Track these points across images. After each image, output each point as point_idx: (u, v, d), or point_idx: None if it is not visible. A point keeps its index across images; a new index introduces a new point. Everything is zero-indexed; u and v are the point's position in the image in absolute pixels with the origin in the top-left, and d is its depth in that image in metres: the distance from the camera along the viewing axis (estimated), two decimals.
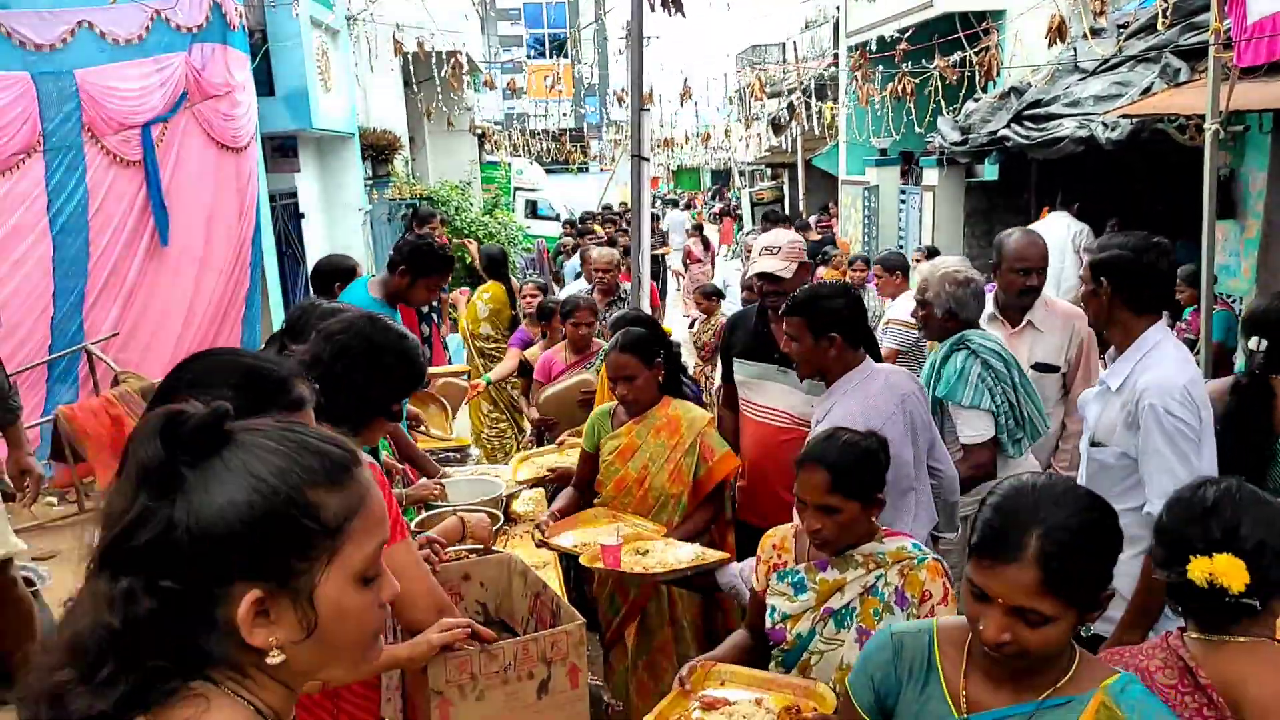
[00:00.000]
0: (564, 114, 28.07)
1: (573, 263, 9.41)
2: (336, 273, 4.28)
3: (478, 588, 2.29)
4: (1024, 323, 3.37)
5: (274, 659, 0.90)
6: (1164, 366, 2.41)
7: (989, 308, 3.38)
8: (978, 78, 8.73)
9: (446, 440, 4.40)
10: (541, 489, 3.76)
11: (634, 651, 3.14)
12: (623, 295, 5.58)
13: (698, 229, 14.68)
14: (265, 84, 7.83)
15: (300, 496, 0.90)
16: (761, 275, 3.35)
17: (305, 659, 0.93)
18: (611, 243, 8.87)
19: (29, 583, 2.83)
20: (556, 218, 19.62)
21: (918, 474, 2.75)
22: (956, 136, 9.21)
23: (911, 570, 2.09)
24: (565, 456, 3.78)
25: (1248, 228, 6.72)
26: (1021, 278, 3.32)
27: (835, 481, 2.05)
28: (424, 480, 3.38)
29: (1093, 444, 2.60)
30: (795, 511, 2.22)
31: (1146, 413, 2.37)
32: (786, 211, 19.26)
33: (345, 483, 0.94)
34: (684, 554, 2.73)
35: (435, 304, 7.01)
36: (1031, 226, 7.25)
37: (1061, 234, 7.17)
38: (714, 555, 2.73)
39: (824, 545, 2.11)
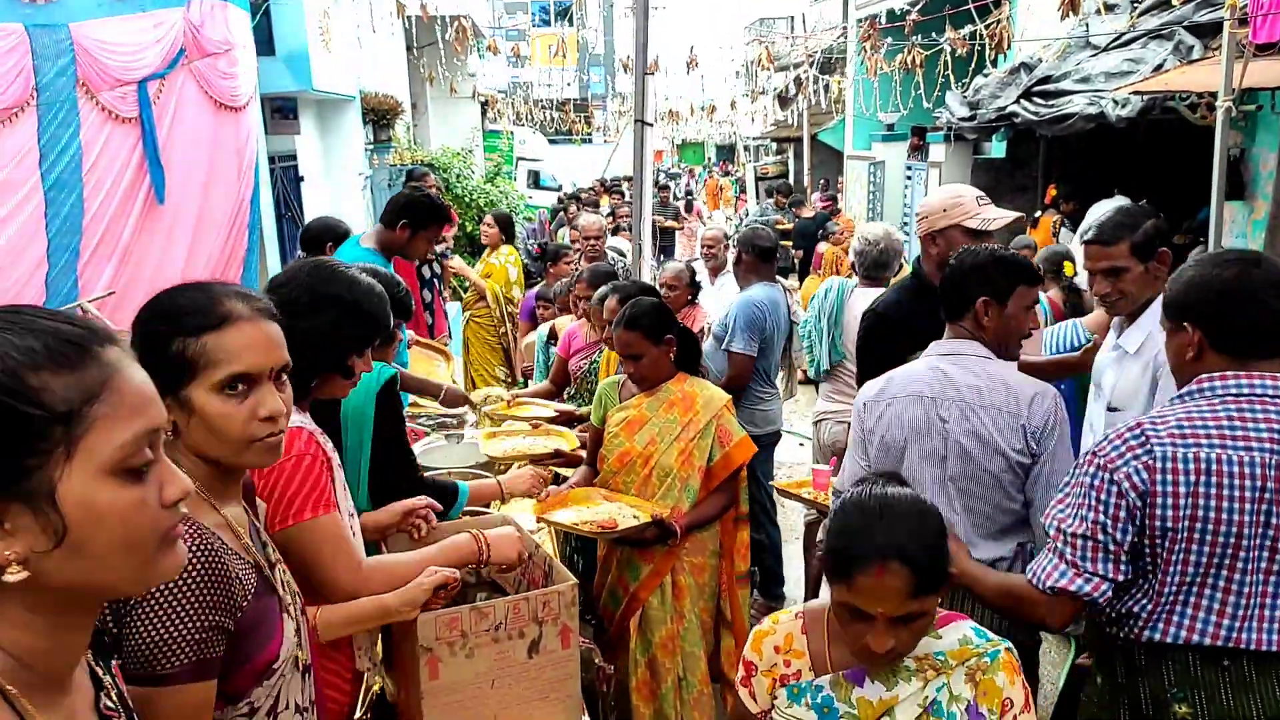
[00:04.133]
0: (568, 83, 27.84)
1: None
2: (331, 234, 4.22)
3: None
4: None
5: (13, 576, 0.80)
6: None
7: None
8: (988, 50, 8.61)
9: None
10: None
11: (635, 648, 2.92)
12: (611, 264, 5.51)
13: (686, 194, 14.52)
14: (265, 43, 7.72)
15: (16, 382, 0.80)
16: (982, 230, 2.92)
17: (61, 573, 0.82)
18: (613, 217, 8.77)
19: None
20: (559, 188, 19.51)
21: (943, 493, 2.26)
22: (965, 112, 9.09)
23: (985, 674, 1.54)
24: (539, 437, 3.45)
25: (1256, 209, 6.65)
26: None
27: (922, 582, 1.47)
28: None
29: (1110, 409, 2.63)
30: (834, 616, 1.60)
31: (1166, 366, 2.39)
32: (791, 185, 19.12)
33: (79, 363, 0.84)
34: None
35: (438, 272, 6.96)
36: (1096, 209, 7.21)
37: None
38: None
39: (886, 658, 1.53)
